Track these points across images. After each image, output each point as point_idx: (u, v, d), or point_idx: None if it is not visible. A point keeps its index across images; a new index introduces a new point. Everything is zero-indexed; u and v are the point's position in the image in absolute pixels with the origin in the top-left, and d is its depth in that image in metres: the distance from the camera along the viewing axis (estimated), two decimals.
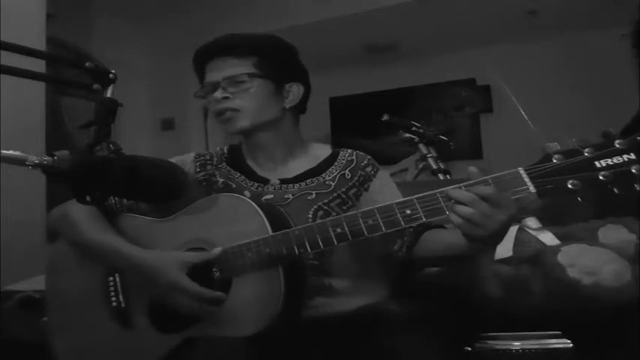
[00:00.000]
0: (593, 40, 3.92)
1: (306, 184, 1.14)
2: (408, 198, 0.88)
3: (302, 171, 1.16)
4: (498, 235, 0.87)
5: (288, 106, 1.16)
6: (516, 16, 3.97)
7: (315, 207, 1.10)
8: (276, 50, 1.16)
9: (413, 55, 4.68)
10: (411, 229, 1.09)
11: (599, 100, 3.82)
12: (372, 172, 1.17)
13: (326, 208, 1.11)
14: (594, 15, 3.80)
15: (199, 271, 1.00)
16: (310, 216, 1.09)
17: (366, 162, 1.18)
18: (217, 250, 0.99)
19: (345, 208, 1.12)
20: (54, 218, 1.17)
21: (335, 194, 1.13)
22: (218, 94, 1.11)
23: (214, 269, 1.01)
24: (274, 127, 1.16)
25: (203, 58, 1.16)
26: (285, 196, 1.12)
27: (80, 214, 1.11)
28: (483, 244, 0.90)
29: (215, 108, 1.13)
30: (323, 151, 1.21)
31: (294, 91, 1.17)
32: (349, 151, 1.20)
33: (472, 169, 0.86)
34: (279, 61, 1.15)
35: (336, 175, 1.15)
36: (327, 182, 1.14)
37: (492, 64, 4.23)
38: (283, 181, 1.15)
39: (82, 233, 1.10)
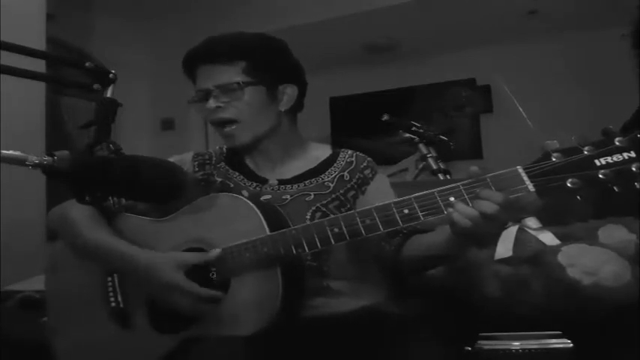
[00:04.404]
0: (593, 40, 3.91)
1: (305, 185, 1.14)
2: (406, 197, 0.88)
3: (301, 172, 1.16)
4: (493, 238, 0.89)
5: (283, 109, 1.14)
6: (516, 16, 3.97)
7: (314, 208, 1.10)
8: (264, 51, 1.13)
9: (413, 55, 4.67)
10: (401, 235, 1.09)
11: (599, 101, 3.82)
12: (370, 175, 1.16)
13: (324, 209, 1.10)
14: (594, 15, 3.80)
15: (197, 272, 1.00)
16: (308, 217, 1.08)
17: (365, 164, 1.17)
18: (216, 251, 0.98)
19: (343, 210, 1.11)
20: (53, 218, 1.17)
21: (333, 196, 1.12)
22: (211, 103, 1.10)
23: (212, 269, 1.01)
24: (273, 134, 1.15)
25: (191, 63, 1.14)
26: (283, 197, 1.12)
27: (79, 214, 1.11)
28: (472, 244, 0.93)
29: (210, 118, 1.12)
30: (323, 151, 1.20)
31: (289, 92, 1.15)
32: (349, 152, 1.19)
33: (474, 168, 0.85)
34: (269, 63, 1.12)
35: (335, 177, 1.15)
36: (325, 183, 1.14)
37: (492, 64, 4.22)
38: (281, 182, 1.15)
39: (81, 234, 1.10)
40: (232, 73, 1.09)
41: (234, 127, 1.11)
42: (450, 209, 0.85)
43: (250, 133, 1.12)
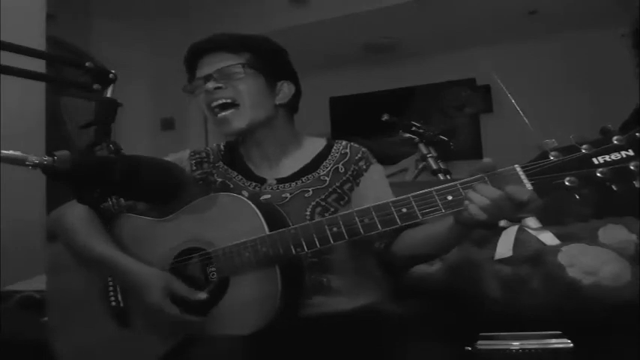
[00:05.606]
0: (593, 40, 3.92)
1: (302, 182, 1.14)
2: (404, 196, 0.88)
3: (297, 169, 1.16)
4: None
5: (278, 103, 1.16)
6: (516, 16, 3.98)
7: (313, 203, 1.10)
8: (268, 49, 1.16)
9: (413, 55, 4.68)
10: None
11: (599, 100, 3.82)
12: (364, 167, 1.16)
13: (323, 204, 1.11)
14: (594, 15, 3.80)
15: (196, 272, 1.02)
16: (308, 213, 1.09)
17: (359, 155, 1.17)
18: (202, 294, 0.99)
19: (342, 203, 1.12)
20: (51, 221, 1.17)
21: (330, 189, 1.13)
22: (210, 84, 1.10)
23: (212, 269, 1.01)
24: (269, 126, 1.16)
25: (196, 55, 1.15)
26: (283, 196, 1.12)
27: (75, 218, 1.11)
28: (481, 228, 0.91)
29: (207, 99, 1.12)
30: (317, 144, 1.21)
31: (285, 89, 1.17)
32: (344, 143, 1.20)
33: (487, 160, 0.85)
34: (271, 60, 1.15)
35: (330, 170, 1.15)
36: (322, 177, 1.14)
37: (492, 64, 4.22)
38: (280, 181, 1.15)
39: (76, 238, 1.10)
40: (236, 60, 1.11)
41: (230, 111, 1.11)
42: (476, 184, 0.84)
43: (246, 119, 1.11)
